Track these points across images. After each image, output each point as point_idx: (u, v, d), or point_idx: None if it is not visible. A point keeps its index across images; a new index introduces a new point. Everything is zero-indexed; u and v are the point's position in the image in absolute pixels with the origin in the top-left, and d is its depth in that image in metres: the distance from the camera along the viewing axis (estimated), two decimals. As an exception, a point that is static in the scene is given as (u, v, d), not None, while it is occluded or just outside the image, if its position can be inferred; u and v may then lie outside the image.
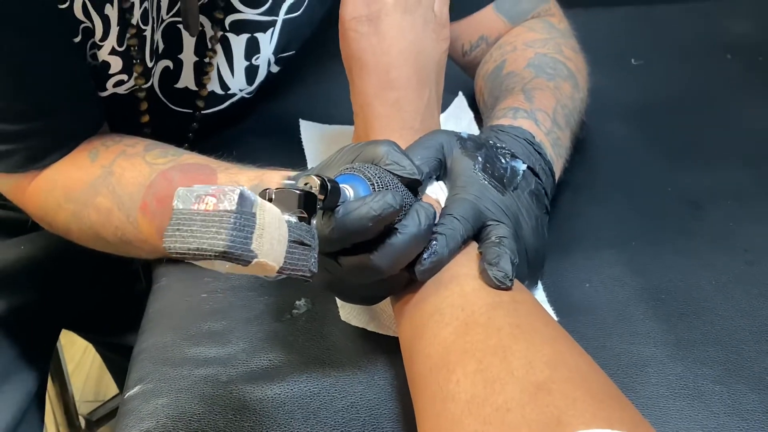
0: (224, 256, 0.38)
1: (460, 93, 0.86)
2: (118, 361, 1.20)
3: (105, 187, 0.66)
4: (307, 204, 0.45)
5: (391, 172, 0.51)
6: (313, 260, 0.44)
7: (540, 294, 0.63)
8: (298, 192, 0.44)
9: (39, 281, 0.88)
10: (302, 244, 0.43)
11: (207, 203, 0.39)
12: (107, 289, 1.01)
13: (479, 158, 0.57)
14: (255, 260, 0.39)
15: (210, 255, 0.38)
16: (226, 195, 0.39)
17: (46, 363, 0.95)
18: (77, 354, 1.59)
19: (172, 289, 0.68)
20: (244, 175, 0.63)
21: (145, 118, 0.77)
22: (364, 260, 0.50)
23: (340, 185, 0.48)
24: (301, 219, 0.44)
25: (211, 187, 0.40)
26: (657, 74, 0.98)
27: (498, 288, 0.50)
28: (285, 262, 0.42)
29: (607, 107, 0.89)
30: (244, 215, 0.39)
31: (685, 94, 0.93)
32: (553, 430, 0.38)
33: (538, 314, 0.50)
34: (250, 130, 0.87)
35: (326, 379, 0.58)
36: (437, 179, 0.58)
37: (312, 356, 0.60)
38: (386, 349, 0.59)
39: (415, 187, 0.53)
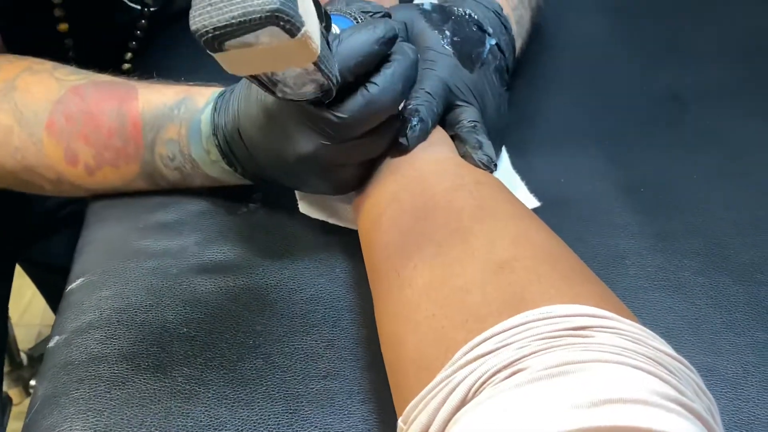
0: (276, 17, 0.34)
1: None
2: (53, 285, 1.04)
3: (6, 102, 0.57)
4: (318, 12, 0.40)
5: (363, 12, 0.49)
6: (335, 69, 0.40)
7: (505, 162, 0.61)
8: None
9: None
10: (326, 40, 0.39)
11: None
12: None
13: (447, 32, 0.53)
14: (304, 30, 0.35)
15: (257, 19, 0.34)
16: None
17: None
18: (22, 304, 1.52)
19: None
20: (170, 90, 0.57)
21: (63, 26, 0.69)
22: (365, 95, 0.45)
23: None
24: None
25: None
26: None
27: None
28: (321, 51, 0.38)
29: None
30: None
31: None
32: (515, 308, 0.35)
33: (502, 194, 0.46)
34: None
35: (284, 272, 0.54)
36: None
37: (269, 249, 0.56)
38: (346, 242, 0.55)
39: None
